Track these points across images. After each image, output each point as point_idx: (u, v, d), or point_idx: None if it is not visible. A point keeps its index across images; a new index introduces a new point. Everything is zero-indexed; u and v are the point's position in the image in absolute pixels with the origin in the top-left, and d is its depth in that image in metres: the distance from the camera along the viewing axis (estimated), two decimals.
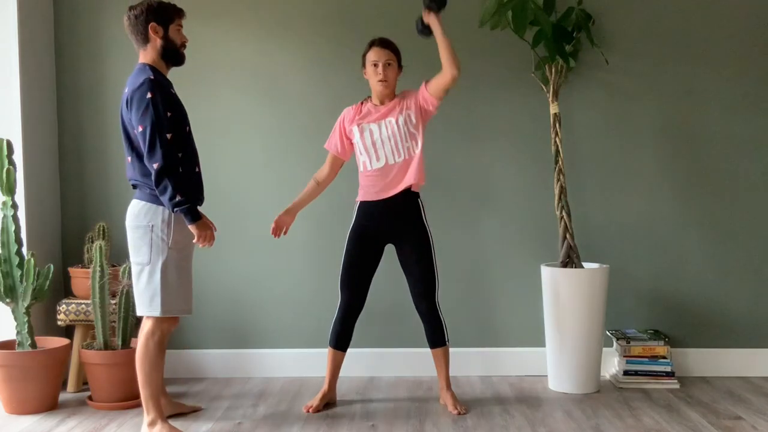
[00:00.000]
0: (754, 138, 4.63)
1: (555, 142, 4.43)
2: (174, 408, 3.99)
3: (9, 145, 4.10)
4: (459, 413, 3.96)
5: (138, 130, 3.49)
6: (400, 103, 4.03)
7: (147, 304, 3.59)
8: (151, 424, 3.62)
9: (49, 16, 4.65)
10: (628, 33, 4.61)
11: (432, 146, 4.60)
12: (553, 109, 4.43)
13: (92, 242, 4.39)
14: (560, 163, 4.41)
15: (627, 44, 4.61)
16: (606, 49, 4.55)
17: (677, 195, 4.65)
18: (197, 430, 3.78)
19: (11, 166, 4.09)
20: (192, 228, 3.54)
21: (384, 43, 4.04)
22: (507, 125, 4.66)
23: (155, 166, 3.45)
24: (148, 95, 3.47)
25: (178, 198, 3.45)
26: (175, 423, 3.84)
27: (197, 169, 3.70)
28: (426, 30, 3.94)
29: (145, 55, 3.66)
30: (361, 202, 4.09)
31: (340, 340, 4.10)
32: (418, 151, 4.00)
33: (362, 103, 4.13)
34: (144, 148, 3.48)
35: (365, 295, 4.10)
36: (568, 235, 4.39)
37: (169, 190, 3.45)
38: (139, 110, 3.48)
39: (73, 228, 4.70)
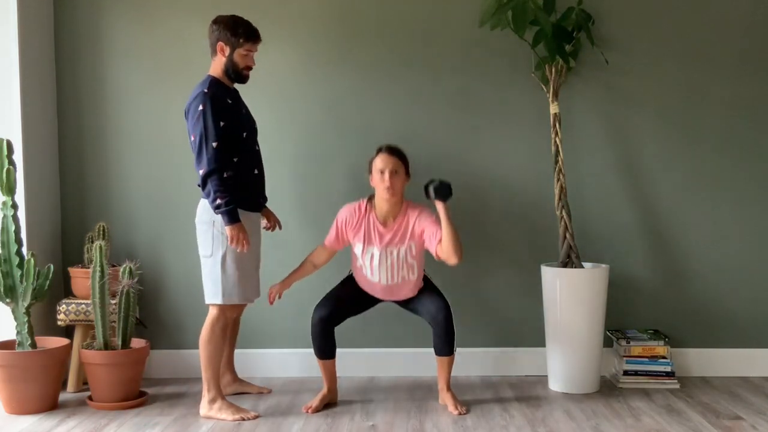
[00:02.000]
0: (753, 138, 4.63)
1: (555, 142, 4.43)
2: (240, 387, 4.32)
3: (9, 145, 4.10)
4: (459, 413, 3.96)
5: (191, 139, 3.85)
6: (405, 231, 4.01)
7: (211, 293, 3.92)
8: (212, 401, 3.93)
9: (49, 16, 4.65)
10: (628, 33, 4.61)
11: (432, 145, 4.61)
12: (553, 109, 4.43)
13: (92, 242, 4.39)
14: (560, 163, 4.41)
15: (627, 44, 4.61)
16: (606, 49, 4.55)
17: (677, 195, 4.65)
18: (197, 429, 3.78)
19: (11, 166, 4.09)
20: (227, 229, 3.82)
21: (391, 150, 4.02)
22: (507, 125, 4.66)
23: (201, 171, 3.80)
24: (200, 107, 3.80)
25: (217, 201, 3.78)
26: (175, 423, 3.85)
27: (256, 171, 4.01)
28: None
29: (213, 66, 3.98)
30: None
31: (325, 351, 4.09)
32: (414, 277, 4.06)
33: (365, 211, 4.07)
34: (194, 155, 3.83)
35: (341, 318, 4.12)
36: (568, 235, 4.39)
37: (211, 194, 3.79)
38: (191, 121, 3.84)
39: (73, 228, 4.70)
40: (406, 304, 4.19)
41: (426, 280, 4.19)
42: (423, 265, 4.13)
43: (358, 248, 4.07)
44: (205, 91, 3.83)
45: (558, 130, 4.43)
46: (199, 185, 3.88)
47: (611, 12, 4.59)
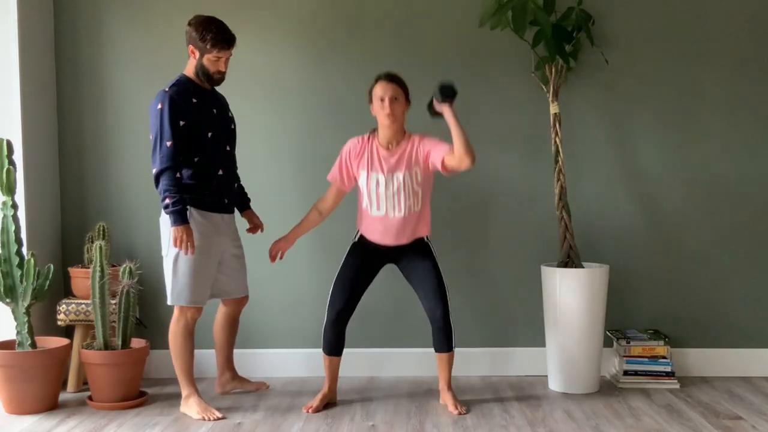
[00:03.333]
0: (753, 138, 4.63)
1: (555, 142, 4.44)
2: (239, 384, 4.34)
3: (9, 145, 4.10)
4: (459, 413, 3.96)
5: (150, 137, 3.87)
6: (410, 156, 4.00)
7: (167, 293, 3.98)
8: (185, 398, 3.99)
9: (49, 16, 4.65)
10: (628, 33, 4.61)
11: None
12: (553, 109, 4.43)
13: (92, 242, 4.39)
14: (560, 163, 4.42)
15: (627, 44, 4.61)
16: (606, 49, 4.55)
17: (677, 195, 4.65)
18: (197, 430, 3.78)
19: (11, 166, 4.09)
20: (172, 230, 3.82)
21: (390, 78, 4.01)
22: (507, 125, 4.66)
23: (153, 171, 3.83)
24: (158, 106, 3.83)
25: (166, 201, 3.80)
26: (175, 423, 3.85)
27: (221, 172, 3.97)
28: (437, 115, 3.93)
29: (188, 65, 3.98)
30: (362, 236, 4.13)
31: (334, 347, 4.10)
32: (418, 208, 4.02)
33: (369, 139, 4.08)
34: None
35: (355, 304, 4.12)
36: (568, 235, 4.39)
37: (161, 193, 3.81)
38: (150, 119, 3.87)
39: (73, 228, 4.70)
40: (407, 269, 4.10)
41: (430, 251, 4.10)
42: (429, 200, 4.07)
43: (362, 178, 4.04)
44: (166, 90, 3.85)
45: (558, 130, 4.43)
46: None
47: (611, 12, 4.59)
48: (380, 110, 3.98)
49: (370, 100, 4.04)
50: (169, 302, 3.98)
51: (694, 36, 4.62)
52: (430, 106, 3.96)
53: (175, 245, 3.81)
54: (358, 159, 4.05)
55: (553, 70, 4.41)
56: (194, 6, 4.57)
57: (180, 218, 3.79)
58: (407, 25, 4.59)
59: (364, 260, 4.11)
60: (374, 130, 4.09)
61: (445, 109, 3.86)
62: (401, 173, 3.98)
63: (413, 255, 4.09)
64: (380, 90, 3.98)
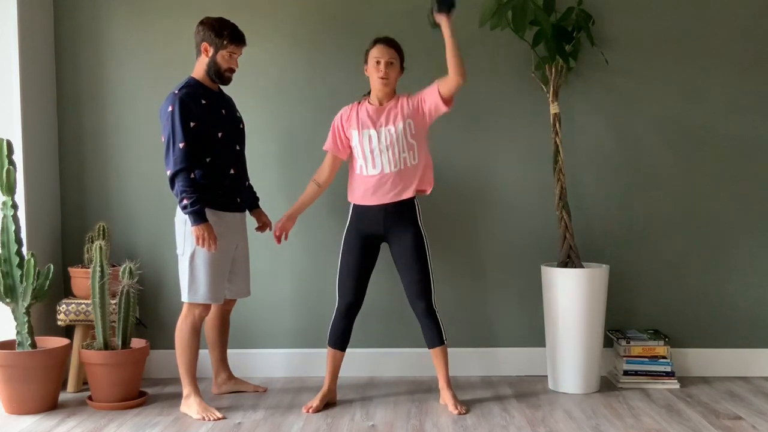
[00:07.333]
0: (753, 137, 4.64)
1: (555, 142, 4.44)
2: (235, 386, 4.35)
3: (9, 145, 4.10)
4: (459, 413, 3.96)
5: (162, 140, 3.90)
6: (403, 109, 4.01)
7: (181, 290, 4.00)
8: (186, 398, 4.00)
9: (49, 16, 4.65)
10: (628, 33, 4.61)
11: (432, 146, 4.60)
12: (553, 109, 4.43)
13: (92, 242, 4.39)
14: (560, 163, 4.42)
15: (627, 44, 4.61)
16: (606, 49, 4.55)
17: (677, 194, 4.65)
18: (197, 430, 3.78)
19: (11, 166, 4.09)
20: (193, 229, 3.86)
21: (388, 42, 4.07)
22: (507, 125, 4.66)
23: (168, 172, 3.87)
24: (169, 109, 3.88)
25: (184, 202, 3.84)
26: (175, 423, 3.85)
27: (233, 171, 4.03)
28: (436, 26, 3.91)
29: (196, 67, 4.04)
30: (355, 205, 4.11)
31: (340, 340, 4.11)
32: (416, 161, 4.01)
33: (360, 103, 4.13)
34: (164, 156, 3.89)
35: (363, 294, 4.12)
36: (568, 235, 4.39)
37: (177, 194, 3.85)
38: (161, 122, 3.92)
39: (73, 228, 4.70)
40: (395, 252, 4.06)
41: (422, 237, 4.03)
42: (426, 154, 4.07)
43: (355, 138, 4.05)
44: (176, 92, 3.90)
45: (558, 130, 4.43)
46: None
47: (611, 12, 4.59)
48: (374, 72, 4.02)
49: (366, 61, 4.08)
50: (184, 300, 3.98)
51: (694, 36, 4.62)
52: (431, 15, 3.90)
53: (198, 244, 3.86)
54: (349, 122, 4.09)
55: (553, 70, 4.41)
56: (194, 6, 4.58)
57: (199, 218, 3.85)
58: (407, 26, 4.59)
59: (362, 245, 4.09)
60: (365, 96, 4.13)
61: (442, 21, 3.85)
62: (393, 126, 4.00)
63: (406, 242, 4.02)
64: (377, 52, 4.03)
